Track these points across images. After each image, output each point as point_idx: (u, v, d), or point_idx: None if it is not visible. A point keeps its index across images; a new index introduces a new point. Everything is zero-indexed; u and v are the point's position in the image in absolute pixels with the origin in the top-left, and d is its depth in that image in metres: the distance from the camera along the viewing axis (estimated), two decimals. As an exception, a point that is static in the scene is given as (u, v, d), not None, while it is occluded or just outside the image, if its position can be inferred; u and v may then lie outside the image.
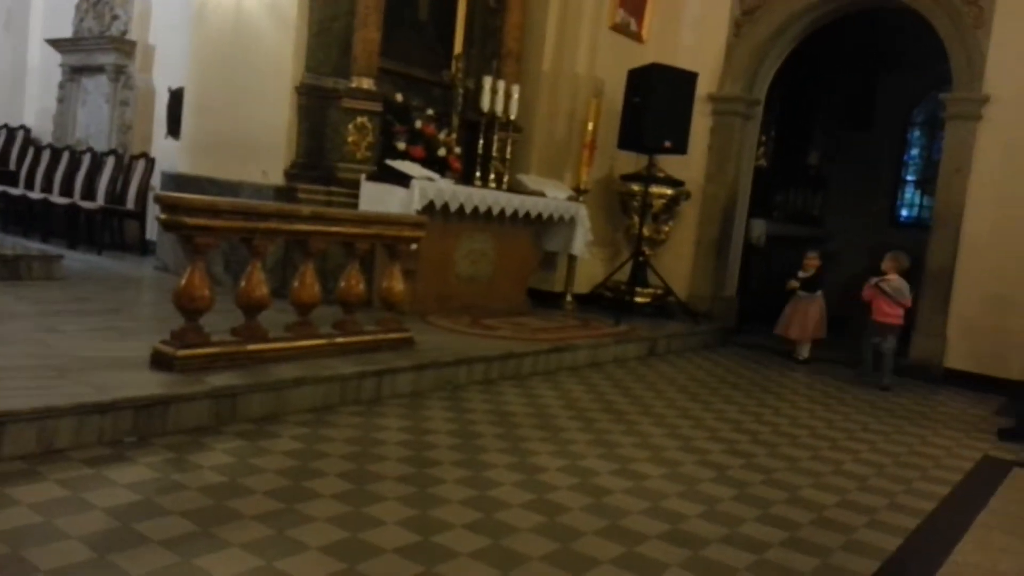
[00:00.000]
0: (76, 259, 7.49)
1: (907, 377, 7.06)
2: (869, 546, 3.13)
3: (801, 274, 7.42)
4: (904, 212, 12.97)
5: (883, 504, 3.65)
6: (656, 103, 7.48)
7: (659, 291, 8.15)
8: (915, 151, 12.93)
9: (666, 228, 8.45)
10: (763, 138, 9.78)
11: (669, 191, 8.26)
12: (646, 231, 8.04)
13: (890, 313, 6.54)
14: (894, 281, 6.53)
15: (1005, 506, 3.80)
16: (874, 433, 5.02)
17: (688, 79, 7.81)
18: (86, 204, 8.50)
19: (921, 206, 12.64)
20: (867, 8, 8.34)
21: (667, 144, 7.65)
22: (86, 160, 9.10)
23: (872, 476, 4.08)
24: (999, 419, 5.75)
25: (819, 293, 7.39)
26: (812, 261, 7.42)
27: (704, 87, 8.16)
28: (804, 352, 7.43)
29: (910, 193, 13.00)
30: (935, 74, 8.77)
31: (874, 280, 6.62)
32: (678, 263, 8.62)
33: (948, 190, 7.28)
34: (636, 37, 8.57)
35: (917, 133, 12.87)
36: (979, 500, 3.84)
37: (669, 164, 8.28)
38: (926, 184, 12.23)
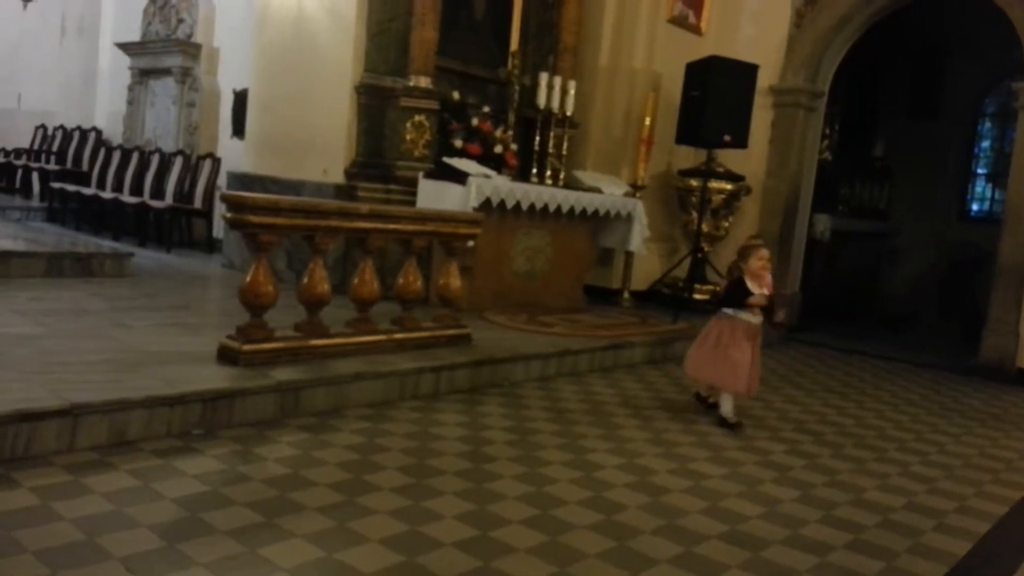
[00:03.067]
0: (146, 257, 7.73)
1: (978, 377, 6.83)
2: (937, 550, 3.04)
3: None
4: (975, 206, 12.53)
5: (952, 507, 3.54)
6: (715, 96, 7.37)
7: (718, 288, 8.02)
8: (986, 143, 12.48)
9: (725, 224, 8.33)
10: (827, 131, 9.56)
11: (729, 186, 8.14)
12: (705, 227, 7.93)
13: None
14: None
15: (1084, 512, 3.65)
16: (943, 435, 4.87)
17: (748, 71, 7.67)
18: (155, 203, 8.76)
19: (993, 200, 12.19)
20: (935, -5, 8.09)
21: (727, 138, 7.54)
22: (155, 160, 9.38)
23: (941, 479, 3.96)
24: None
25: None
26: (759, 251, 4.48)
27: (765, 79, 8.00)
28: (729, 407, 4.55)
29: (981, 186, 12.55)
30: (1007, 62, 8.44)
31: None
32: (738, 259, 8.48)
33: (1020, 182, 7.01)
34: (694, 29, 8.47)
35: (988, 124, 12.42)
36: (1055, 505, 3.70)
37: (729, 158, 8.16)
38: (997, 177, 11.79)
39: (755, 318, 4.48)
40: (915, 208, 11.76)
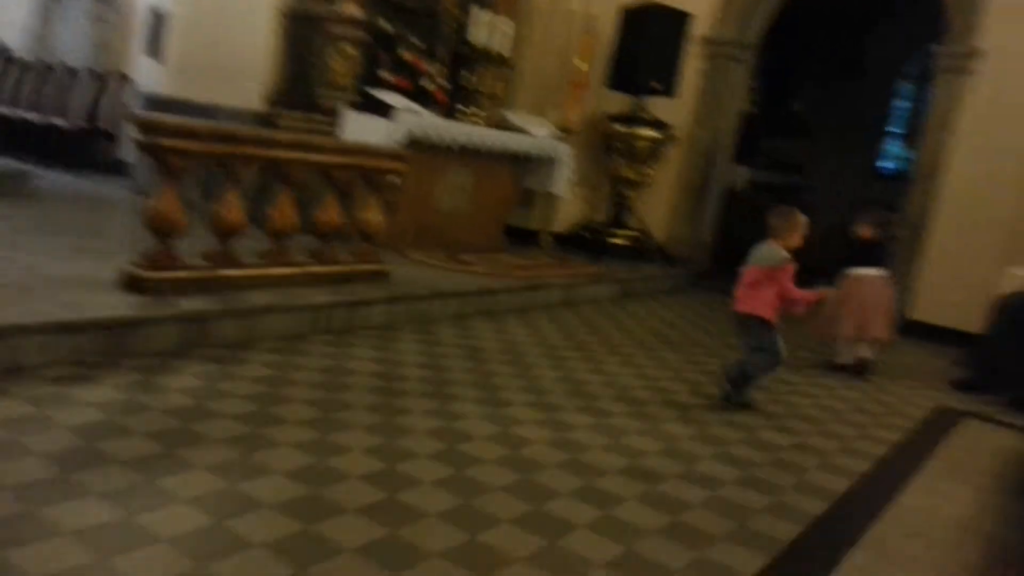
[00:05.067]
0: (49, 178, 7.37)
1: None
2: (820, 487, 3.24)
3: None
4: (889, 165, 12.99)
5: (836, 448, 3.76)
6: (648, 43, 7.37)
7: (637, 233, 8.17)
8: (904, 103, 12.88)
9: (649, 171, 8.42)
10: (753, 84, 9.69)
11: (655, 134, 8.20)
12: (629, 173, 8.01)
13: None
14: None
15: (952, 454, 3.93)
16: (834, 380, 5.13)
17: (682, 19, 7.69)
18: (61, 122, 8.33)
19: (908, 160, 12.65)
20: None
21: (656, 86, 7.57)
22: (64, 78, 8.88)
23: (828, 421, 4.18)
24: (955, 370, 5.87)
25: None
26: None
27: (698, 29, 8.03)
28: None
29: (896, 146, 12.99)
30: (931, 26, 8.68)
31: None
32: (659, 206, 8.61)
33: (932, 143, 7.27)
34: (631, -26, 8.39)
35: (910, 86, 12.80)
36: (928, 447, 3.97)
37: (658, 106, 8.20)
38: (912, 137, 12.22)
39: None
40: (831, 164, 12.13)
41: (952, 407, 4.87)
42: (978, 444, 4.16)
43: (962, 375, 5.52)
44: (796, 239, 4.07)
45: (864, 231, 5.31)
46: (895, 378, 5.44)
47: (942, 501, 3.26)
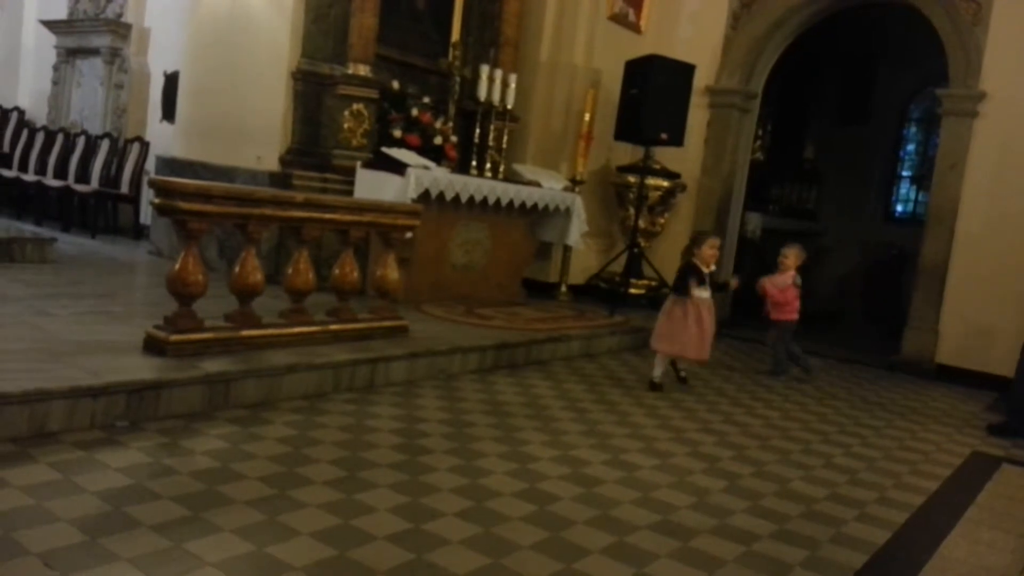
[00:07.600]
0: (69, 242, 7.46)
1: (899, 372, 7.09)
2: (858, 539, 3.15)
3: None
4: (899, 207, 13.00)
5: (872, 498, 3.67)
6: (653, 95, 7.47)
7: (654, 283, 8.16)
8: (911, 147, 12.95)
9: (661, 220, 8.46)
10: (759, 132, 9.79)
11: (665, 183, 8.27)
12: (641, 223, 8.04)
13: (798, 309, 6.18)
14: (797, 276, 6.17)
15: (992, 501, 3.82)
16: (865, 428, 5.04)
17: (686, 71, 7.80)
18: (80, 187, 8.46)
19: (916, 202, 12.66)
20: (865, 3, 8.34)
21: (663, 136, 7.65)
22: (80, 143, 9.05)
23: (862, 470, 4.10)
24: (989, 415, 5.78)
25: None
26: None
27: (701, 79, 8.15)
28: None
29: (905, 188, 13.02)
30: (932, 70, 8.77)
31: (792, 277, 6.13)
32: (673, 255, 8.58)
33: (943, 186, 7.29)
34: (634, 28, 8.56)
35: (913, 129, 12.88)
36: (967, 495, 3.86)
37: (665, 156, 8.28)
38: (921, 180, 12.25)
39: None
40: (842, 209, 12.15)
41: (989, 453, 4.77)
42: (1018, 491, 4.06)
43: (998, 420, 5.42)
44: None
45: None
46: (927, 424, 5.34)
47: (985, 550, 3.16)
